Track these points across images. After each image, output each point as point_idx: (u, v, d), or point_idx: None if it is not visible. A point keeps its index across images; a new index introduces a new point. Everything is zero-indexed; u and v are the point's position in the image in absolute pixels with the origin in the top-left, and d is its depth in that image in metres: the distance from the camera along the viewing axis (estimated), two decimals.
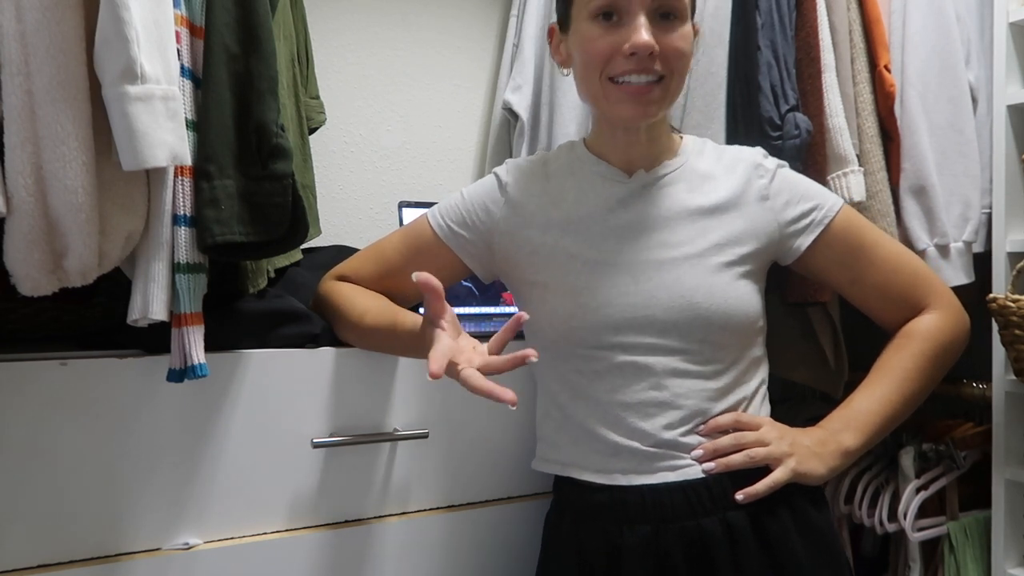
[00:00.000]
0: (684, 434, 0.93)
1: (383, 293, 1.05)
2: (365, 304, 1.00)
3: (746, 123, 1.20)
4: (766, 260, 1.00)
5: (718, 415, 0.95)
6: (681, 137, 1.05)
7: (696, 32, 0.98)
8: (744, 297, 0.95)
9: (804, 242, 1.00)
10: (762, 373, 1.01)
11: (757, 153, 1.03)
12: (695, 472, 0.93)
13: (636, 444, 0.93)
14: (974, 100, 1.33)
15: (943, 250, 1.28)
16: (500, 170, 1.05)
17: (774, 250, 1.00)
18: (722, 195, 0.98)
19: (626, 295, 0.94)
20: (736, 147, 1.06)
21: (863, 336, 1.12)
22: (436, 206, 1.07)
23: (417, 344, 0.89)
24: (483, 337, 0.91)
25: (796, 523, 0.95)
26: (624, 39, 0.90)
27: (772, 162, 1.02)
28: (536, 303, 0.98)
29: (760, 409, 0.99)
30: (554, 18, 1.03)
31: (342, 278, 1.07)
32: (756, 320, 0.97)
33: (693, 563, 0.92)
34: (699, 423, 0.94)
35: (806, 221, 1.00)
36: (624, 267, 0.95)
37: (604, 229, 0.97)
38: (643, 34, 0.89)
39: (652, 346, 0.93)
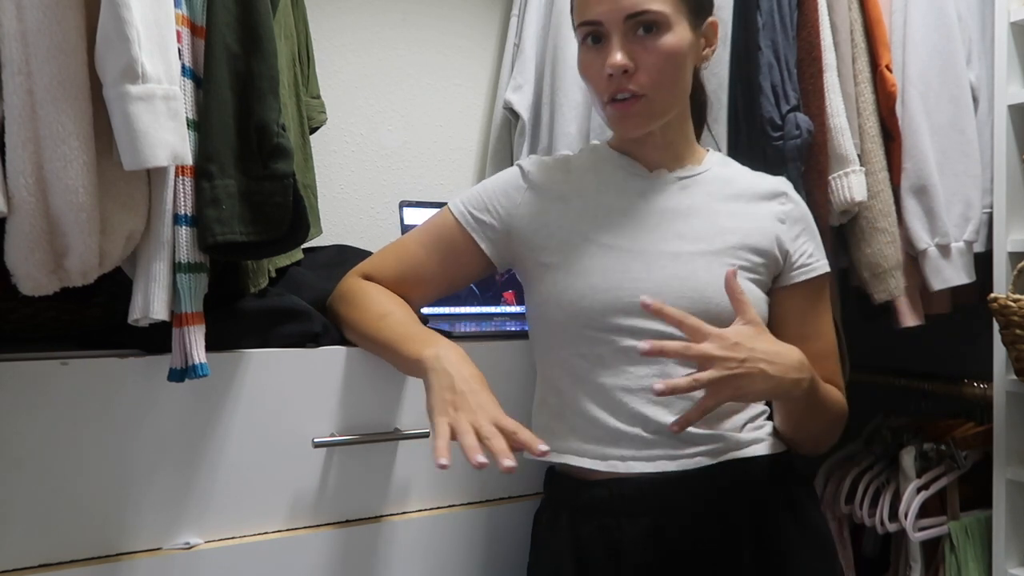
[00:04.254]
0: None
1: (406, 286, 1.04)
2: (389, 306, 1.00)
3: (748, 123, 1.20)
4: (770, 277, 1.02)
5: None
6: (707, 151, 1.07)
7: (708, 32, 1.00)
8: (753, 301, 0.95)
9: (794, 278, 1.02)
10: None
11: (783, 181, 1.07)
12: (694, 463, 0.94)
13: (638, 430, 0.94)
14: (975, 100, 1.33)
15: (944, 250, 1.28)
16: (523, 162, 1.07)
17: (774, 270, 1.02)
18: (744, 203, 1.01)
19: (637, 280, 0.95)
20: (761, 173, 1.08)
21: (863, 336, 1.12)
22: (457, 197, 1.07)
23: (413, 370, 0.92)
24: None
25: (794, 516, 0.97)
26: (604, 61, 0.94)
27: (797, 196, 1.06)
28: (547, 285, 0.99)
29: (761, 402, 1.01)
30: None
31: (367, 276, 1.06)
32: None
33: (691, 554, 0.93)
34: None
35: (805, 261, 1.03)
36: (639, 254, 0.97)
37: (622, 218, 0.99)
38: (614, 56, 0.93)
39: (659, 333, 0.93)
